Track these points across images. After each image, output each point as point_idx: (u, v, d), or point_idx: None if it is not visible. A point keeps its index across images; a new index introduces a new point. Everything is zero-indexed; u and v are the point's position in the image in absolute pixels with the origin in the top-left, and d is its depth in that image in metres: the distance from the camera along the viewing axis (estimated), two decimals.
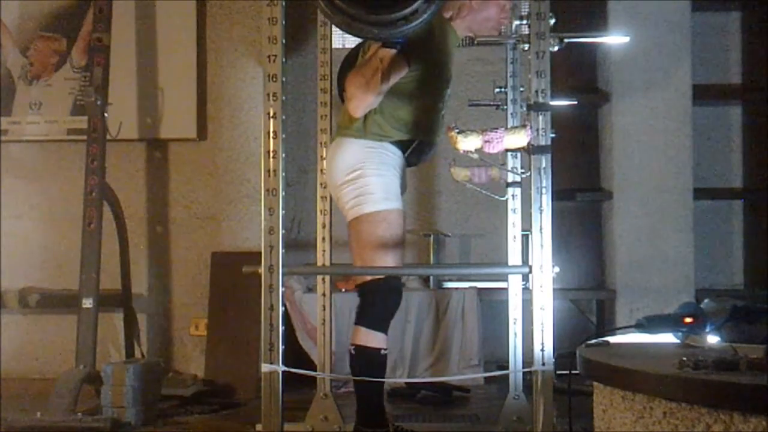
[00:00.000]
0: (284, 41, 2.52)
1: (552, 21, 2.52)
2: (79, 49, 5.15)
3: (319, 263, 3.66)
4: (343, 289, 4.63)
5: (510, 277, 3.54)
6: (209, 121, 5.15)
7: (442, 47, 3.11)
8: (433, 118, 3.15)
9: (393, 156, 3.09)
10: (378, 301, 3.02)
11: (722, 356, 1.85)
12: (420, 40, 2.90)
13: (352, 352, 3.01)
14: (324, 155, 3.66)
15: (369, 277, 3.03)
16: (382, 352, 3.01)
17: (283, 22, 2.46)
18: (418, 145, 3.12)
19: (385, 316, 3.04)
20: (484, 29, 3.23)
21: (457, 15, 3.15)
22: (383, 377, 3.05)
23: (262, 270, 2.42)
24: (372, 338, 3.00)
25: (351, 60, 3.22)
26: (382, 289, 3.01)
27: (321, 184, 3.67)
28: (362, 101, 2.96)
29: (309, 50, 5.06)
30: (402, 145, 3.10)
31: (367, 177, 3.02)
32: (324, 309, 3.63)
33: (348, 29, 2.56)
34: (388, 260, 3.03)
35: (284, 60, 2.53)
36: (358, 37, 2.83)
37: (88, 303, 4.08)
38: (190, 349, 5.06)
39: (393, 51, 2.89)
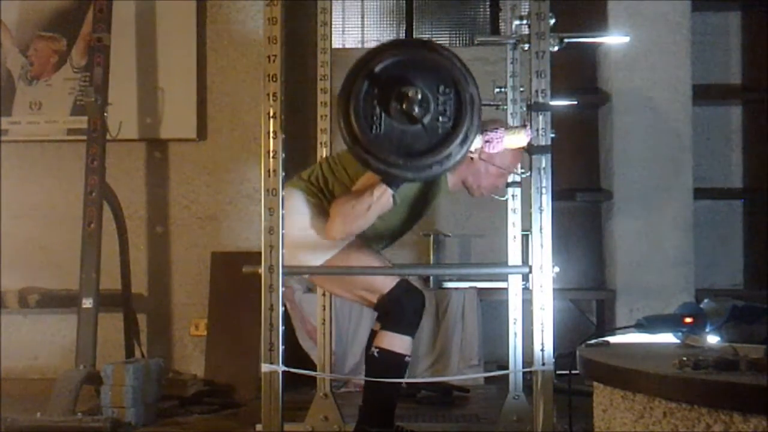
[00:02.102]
0: (284, 41, 2.52)
1: (552, 21, 2.52)
2: (79, 49, 5.15)
3: None
4: None
5: (510, 277, 3.53)
6: (209, 121, 5.15)
7: (427, 193, 3.03)
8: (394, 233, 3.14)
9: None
10: (406, 304, 2.98)
11: (722, 356, 1.85)
12: (411, 182, 2.82)
13: (375, 355, 2.97)
14: (324, 155, 3.67)
15: (386, 291, 2.99)
16: (406, 358, 2.98)
17: (283, 22, 2.45)
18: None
19: (413, 320, 3.00)
20: (477, 189, 3.10)
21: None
22: (400, 383, 3.01)
23: (262, 270, 2.42)
24: (398, 342, 2.96)
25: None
26: (405, 292, 2.98)
27: None
28: (341, 232, 2.91)
29: (309, 50, 5.06)
30: None
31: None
32: (324, 309, 3.63)
33: (384, 174, 2.55)
34: (384, 278, 3.01)
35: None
36: (393, 180, 2.71)
37: (88, 303, 4.08)
38: (190, 349, 5.06)
39: (390, 192, 2.78)
